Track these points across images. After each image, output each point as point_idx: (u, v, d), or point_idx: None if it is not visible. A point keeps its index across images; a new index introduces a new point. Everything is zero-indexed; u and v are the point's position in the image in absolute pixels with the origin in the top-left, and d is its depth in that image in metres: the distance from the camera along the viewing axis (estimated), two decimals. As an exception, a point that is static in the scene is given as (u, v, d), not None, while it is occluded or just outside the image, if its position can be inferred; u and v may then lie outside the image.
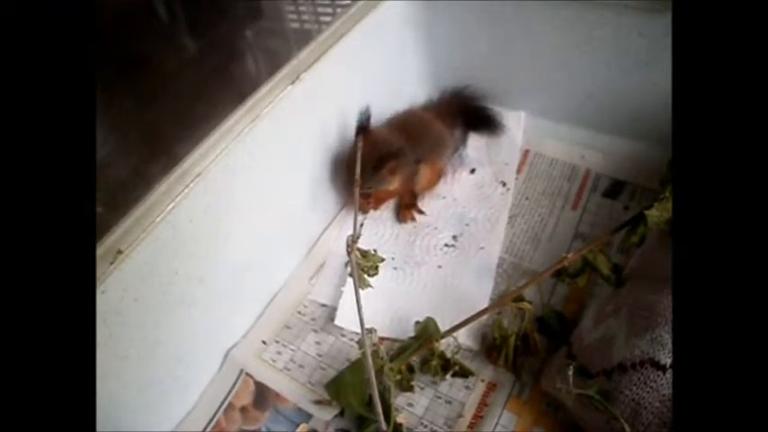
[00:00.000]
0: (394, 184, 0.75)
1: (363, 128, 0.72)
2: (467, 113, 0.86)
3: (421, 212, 0.80)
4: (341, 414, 0.60)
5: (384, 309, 0.68)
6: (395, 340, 0.65)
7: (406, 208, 0.80)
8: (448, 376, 0.61)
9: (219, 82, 0.91)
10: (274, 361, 0.66)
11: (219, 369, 0.66)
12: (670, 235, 0.56)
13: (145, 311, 0.54)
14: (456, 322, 0.59)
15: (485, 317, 0.60)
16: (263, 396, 0.63)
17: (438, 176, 0.82)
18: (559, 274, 0.58)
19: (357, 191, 0.69)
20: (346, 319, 0.68)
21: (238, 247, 0.64)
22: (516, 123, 0.88)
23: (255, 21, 1.06)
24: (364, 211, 0.80)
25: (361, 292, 0.58)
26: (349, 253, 0.60)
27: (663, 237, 0.57)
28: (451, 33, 0.87)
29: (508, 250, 0.74)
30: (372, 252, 0.61)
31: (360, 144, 0.71)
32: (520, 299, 0.58)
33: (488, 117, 0.85)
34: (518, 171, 0.84)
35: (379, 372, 0.55)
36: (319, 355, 0.66)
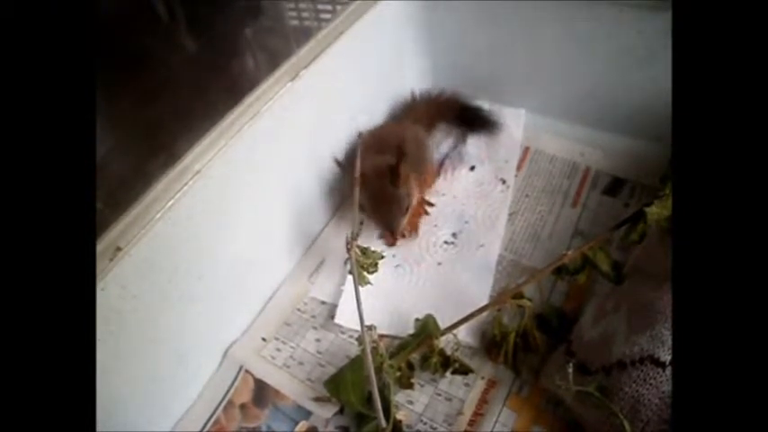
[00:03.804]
0: (414, 189, 0.73)
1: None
2: (458, 113, 0.87)
3: (430, 204, 0.81)
4: (340, 411, 0.60)
5: (384, 306, 0.68)
6: (394, 337, 0.65)
7: (418, 205, 0.80)
8: (448, 373, 0.61)
9: (219, 79, 0.91)
10: (274, 358, 0.66)
11: (219, 366, 0.66)
12: (670, 232, 0.56)
13: (144, 308, 0.54)
14: (456, 319, 0.59)
15: (484, 314, 0.60)
16: (262, 393, 0.63)
17: (433, 174, 0.82)
18: (559, 271, 0.58)
19: (357, 188, 0.69)
20: (346, 316, 0.68)
21: (238, 243, 0.64)
22: (516, 121, 0.88)
23: (255, 18, 1.06)
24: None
25: (360, 289, 0.58)
26: (349, 250, 0.60)
27: (663, 234, 0.57)
28: (451, 31, 0.87)
29: (508, 247, 0.74)
30: (372, 249, 0.61)
31: (361, 142, 0.71)
32: (520, 296, 0.58)
33: (481, 116, 0.86)
34: (518, 168, 0.84)
35: (379, 369, 0.55)
36: (319, 353, 0.66)
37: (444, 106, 0.86)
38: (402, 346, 0.61)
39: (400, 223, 0.70)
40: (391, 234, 0.72)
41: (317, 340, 0.68)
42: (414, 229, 0.78)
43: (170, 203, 0.55)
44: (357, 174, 0.69)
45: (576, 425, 0.54)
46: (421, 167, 0.76)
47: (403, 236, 0.76)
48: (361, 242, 0.62)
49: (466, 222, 0.78)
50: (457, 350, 0.61)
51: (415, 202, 0.73)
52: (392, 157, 0.67)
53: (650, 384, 0.47)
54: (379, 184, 0.68)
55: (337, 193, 0.82)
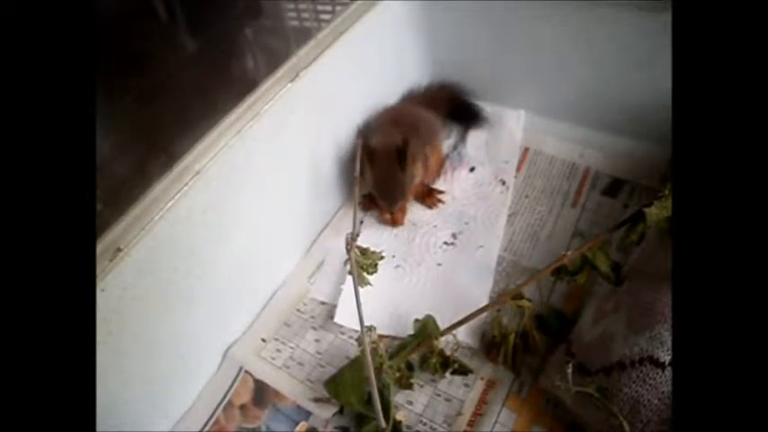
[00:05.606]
0: (420, 171, 0.76)
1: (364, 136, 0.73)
2: (450, 106, 0.87)
3: (441, 192, 0.82)
4: (340, 412, 0.60)
5: (383, 306, 0.68)
6: (394, 338, 0.65)
7: (428, 195, 0.81)
8: (447, 374, 0.61)
9: (219, 80, 0.91)
10: (274, 359, 0.66)
11: (219, 367, 0.66)
12: (669, 233, 0.56)
13: (144, 309, 0.54)
14: (455, 320, 0.59)
15: (484, 315, 0.60)
16: (262, 394, 0.63)
17: (441, 161, 0.83)
18: (559, 271, 0.58)
19: (357, 189, 0.69)
20: (345, 316, 0.68)
21: (238, 244, 0.64)
22: (515, 122, 0.88)
23: (255, 19, 1.06)
24: (386, 219, 0.80)
25: (360, 289, 0.58)
26: (348, 251, 0.60)
27: (662, 235, 0.57)
28: (450, 31, 0.87)
29: (507, 248, 0.74)
30: (372, 250, 0.61)
31: (361, 144, 0.71)
32: (519, 296, 0.58)
33: (471, 109, 0.87)
34: (517, 169, 0.84)
35: (379, 369, 0.55)
36: (318, 353, 0.66)
37: (436, 99, 0.87)
38: (402, 347, 0.61)
39: (396, 205, 0.74)
40: (388, 210, 0.76)
41: (317, 341, 0.68)
42: (435, 203, 0.81)
43: (170, 204, 0.55)
44: (357, 172, 0.69)
45: (576, 425, 0.54)
46: (428, 148, 0.77)
47: (395, 219, 0.78)
48: (360, 242, 0.62)
49: (466, 223, 0.78)
50: (456, 351, 0.61)
51: (417, 181, 0.76)
52: (402, 136, 0.70)
53: (650, 385, 0.47)
54: (386, 162, 0.71)
55: (337, 194, 0.82)
